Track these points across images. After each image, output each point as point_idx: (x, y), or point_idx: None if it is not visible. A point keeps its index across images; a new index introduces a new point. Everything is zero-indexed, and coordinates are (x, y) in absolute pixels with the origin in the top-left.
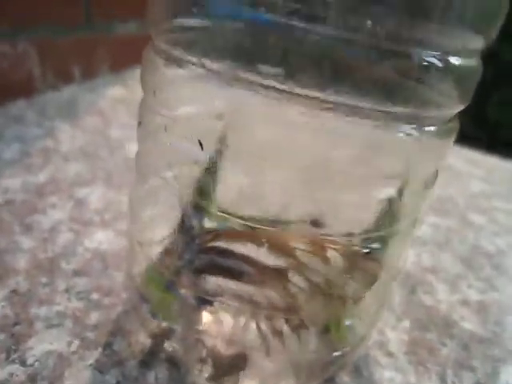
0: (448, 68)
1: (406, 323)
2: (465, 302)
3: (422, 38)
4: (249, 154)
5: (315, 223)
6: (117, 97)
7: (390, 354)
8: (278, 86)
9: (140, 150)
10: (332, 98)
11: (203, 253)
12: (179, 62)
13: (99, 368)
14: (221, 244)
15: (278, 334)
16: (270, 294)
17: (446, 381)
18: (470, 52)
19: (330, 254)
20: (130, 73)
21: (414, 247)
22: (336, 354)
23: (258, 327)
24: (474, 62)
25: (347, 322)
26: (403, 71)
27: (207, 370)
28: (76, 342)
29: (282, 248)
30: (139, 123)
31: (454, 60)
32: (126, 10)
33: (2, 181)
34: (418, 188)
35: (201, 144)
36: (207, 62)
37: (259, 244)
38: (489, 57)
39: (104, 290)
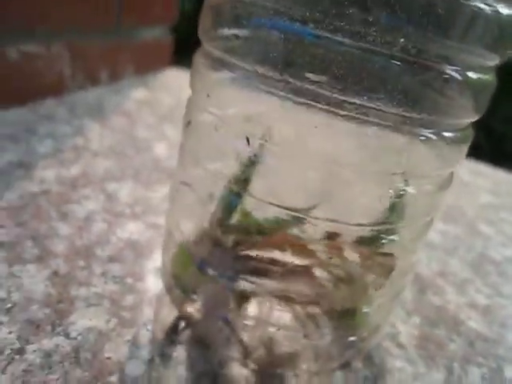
0: (466, 81)
1: (417, 319)
2: (472, 305)
3: (446, 54)
4: (284, 151)
5: (331, 236)
6: (141, 99)
7: (400, 346)
8: (321, 91)
9: (185, 143)
10: (366, 103)
11: (236, 261)
12: (229, 67)
13: (136, 344)
14: (249, 252)
15: (312, 317)
16: (298, 287)
17: (453, 373)
18: (487, 68)
19: (347, 253)
20: (152, 76)
21: (423, 251)
22: (352, 338)
23: (293, 310)
24: (489, 77)
25: (365, 309)
26: (428, 83)
27: (236, 350)
28: (114, 320)
29: (303, 251)
30: (187, 121)
31: (472, 74)
32: (151, 16)
33: (37, 172)
34: (434, 188)
35: (248, 140)
36: (258, 68)
37: (283, 249)
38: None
39: (137, 275)
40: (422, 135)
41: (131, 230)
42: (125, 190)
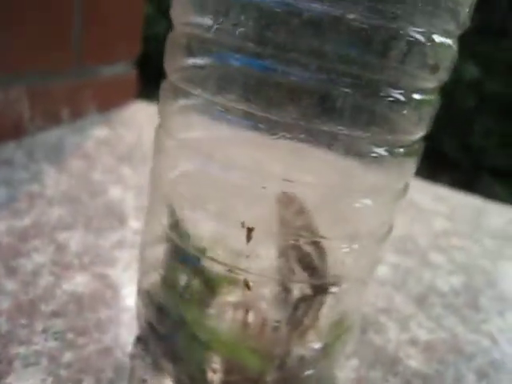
0: (411, 102)
1: (355, 362)
2: (413, 342)
3: (391, 79)
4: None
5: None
6: (101, 138)
7: None
8: (268, 116)
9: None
10: (320, 127)
11: None
12: (186, 95)
13: None
14: None
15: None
16: None
17: None
18: (428, 90)
19: None
20: (115, 113)
21: (371, 288)
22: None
23: None
24: (431, 97)
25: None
26: (376, 106)
27: None
28: (50, 379)
29: None
30: (155, 145)
31: (416, 96)
32: (113, 53)
33: None
34: (390, 200)
35: None
36: (207, 95)
37: None
38: (474, 87)
39: (78, 330)
40: (374, 152)
41: (77, 282)
42: (75, 239)
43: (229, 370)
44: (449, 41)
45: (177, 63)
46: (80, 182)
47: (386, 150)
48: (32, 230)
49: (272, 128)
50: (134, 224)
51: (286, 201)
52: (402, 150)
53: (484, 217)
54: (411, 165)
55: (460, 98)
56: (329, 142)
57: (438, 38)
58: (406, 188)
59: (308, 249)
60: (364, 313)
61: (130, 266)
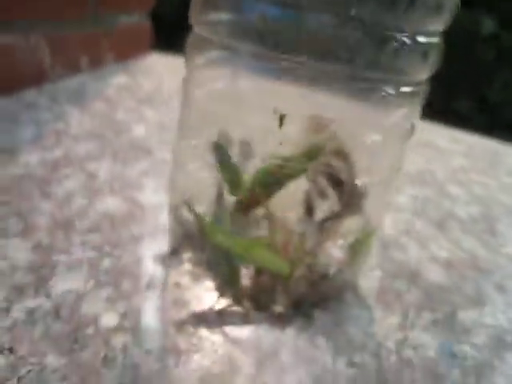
0: (416, 45)
1: (377, 273)
2: (433, 259)
3: (397, 24)
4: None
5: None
6: (122, 85)
7: (360, 297)
8: (288, 57)
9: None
10: (330, 66)
11: None
12: (213, 46)
13: (110, 301)
14: None
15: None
16: None
17: (408, 318)
18: (432, 32)
19: None
20: (133, 62)
21: (389, 215)
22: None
23: None
24: (436, 40)
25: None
26: (385, 48)
27: None
28: (91, 282)
29: None
30: (183, 97)
31: (421, 38)
32: (128, 4)
33: (22, 157)
34: (398, 138)
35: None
36: (232, 43)
37: None
38: (491, 41)
39: (113, 243)
40: (384, 91)
41: (109, 204)
42: (104, 169)
43: (259, 273)
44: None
45: (203, 16)
46: (103, 121)
47: (393, 89)
48: (62, 161)
49: (288, 70)
50: (159, 155)
51: (316, 126)
52: (407, 89)
53: (501, 156)
54: (417, 105)
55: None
56: (341, 81)
57: None
58: (413, 128)
59: (337, 164)
60: (384, 233)
61: (157, 191)
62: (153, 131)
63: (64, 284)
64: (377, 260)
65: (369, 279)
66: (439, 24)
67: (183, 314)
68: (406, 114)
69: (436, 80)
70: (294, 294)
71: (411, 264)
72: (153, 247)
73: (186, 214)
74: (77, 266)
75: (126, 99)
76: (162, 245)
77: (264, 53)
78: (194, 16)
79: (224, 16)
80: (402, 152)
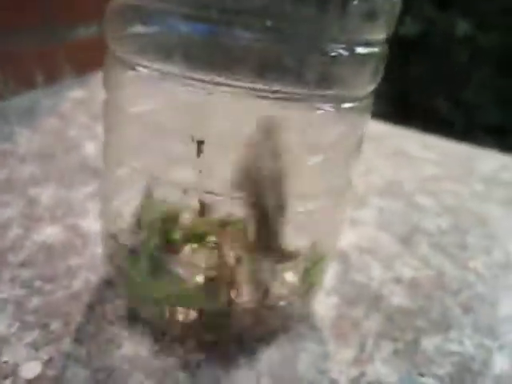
0: (354, 56)
1: (334, 299)
2: (397, 280)
3: (332, 33)
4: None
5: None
6: (77, 99)
7: (314, 328)
8: (216, 79)
9: (106, 142)
10: (262, 86)
11: None
12: (130, 66)
13: (35, 346)
14: None
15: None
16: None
17: (365, 349)
18: (375, 41)
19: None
20: (92, 76)
21: (353, 229)
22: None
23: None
24: (377, 50)
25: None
26: (318, 62)
27: None
28: (16, 324)
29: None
30: (104, 119)
31: (360, 50)
32: (86, 13)
33: None
34: (341, 157)
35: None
36: (155, 65)
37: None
38: (466, 42)
39: (47, 277)
40: (321, 109)
41: (48, 233)
42: (47, 193)
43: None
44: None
45: (117, 32)
46: (54, 139)
47: (333, 107)
48: (3, 185)
49: (207, 90)
50: None
51: (267, 127)
52: (349, 105)
53: (474, 162)
54: (362, 120)
55: (453, 55)
56: (276, 100)
57: None
58: (360, 142)
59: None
60: (345, 252)
61: None
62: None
63: None
64: (335, 284)
65: (324, 306)
66: (379, 32)
67: (116, 358)
68: (349, 130)
69: (412, 82)
70: (236, 328)
71: (373, 287)
72: (89, 280)
73: (115, 247)
74: (2, 306)
75: (80, 115)
76: (98, 277)
77: (178, 72)
78: (107, 33)
79: (134, 31)
80: (349, 169)
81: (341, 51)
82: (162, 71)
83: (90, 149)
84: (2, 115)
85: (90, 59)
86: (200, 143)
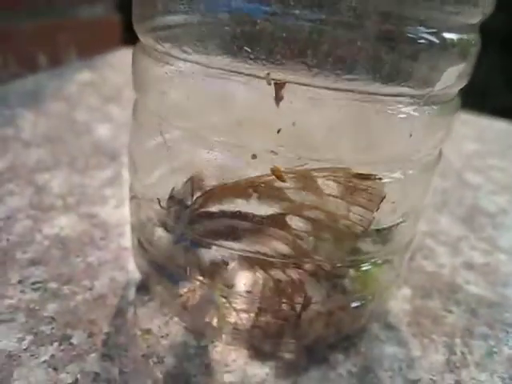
0: (445, 44)
1: (407, 291)
2: (469, 265)
3: (418, 15)
4: None
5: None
6: (85, 81)
7: (390, 327)
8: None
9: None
10: (332, 84)
11: (195, 221)
12: (168, 59)
13: (54, 365)
14: (210, 208)
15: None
16: (274, 244)
17: (455, 351)
18: (467, 27)
19: (322, 182)
20: (100, 58)
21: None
22: (355, 303)
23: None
24: (472, 37)
25: (366, 267)
26: (402, 51)
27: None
28: (28, 338)
29: (271, 193)
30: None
31: (452, 36)
32: None
33: None
34: (423, 171)
35: None
36: (197, 57)
37: (247, 196)
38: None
39: (63, 278)
40: (402, 112)
41: (61, 224)
42: (58, 180)
43: (259, 313)
44: None
45: (152, 20)
46: (61, 123)
47: (416, 110)
48: (6, 173)
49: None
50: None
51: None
52: (435, 107)
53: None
54: (449, 126)
55: None
56: (343, 101)
57: None
58: (440, 153)
59: None
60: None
61: (123, 203)
62: (119, 132)
63: None
64: (403, 273)
65: (397, 301)
66: (476, 14)
67: (157, 373)
68: (434, 139)
69: None
70: (306, 337)
71: (445, 275)
72: (115, 280)
73: (152, 237)
74: (11, 315)
75: (88, 97)
76: (126, 276)
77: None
78: (138, 22)
79: (181, 20)
80: (428, 186)
81: (430, 37)
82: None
83: (104, 132)
84: (3, 99)
85: (96, 41)
86: (280, 85)
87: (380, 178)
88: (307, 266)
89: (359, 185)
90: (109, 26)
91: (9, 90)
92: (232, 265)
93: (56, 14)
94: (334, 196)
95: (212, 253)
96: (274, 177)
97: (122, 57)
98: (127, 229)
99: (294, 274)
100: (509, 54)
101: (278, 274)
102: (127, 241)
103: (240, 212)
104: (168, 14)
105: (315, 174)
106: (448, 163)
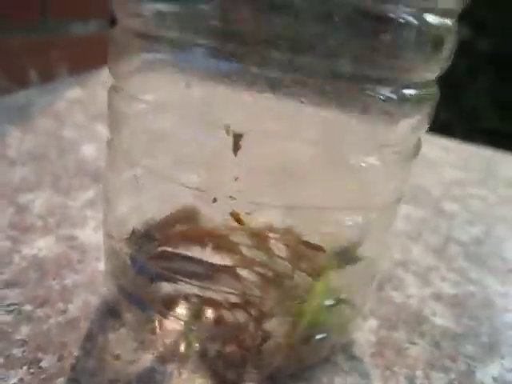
0: (425, 27)
1: (373, 322)
2: (437, 297)
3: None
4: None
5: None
6: (74, 98)
7: (353, 358)
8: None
9: (114, 140)
10: (315, 62)
11: (157, 257)
12: (148, 43)
13: None
14: (167, 249)
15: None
16: (224, 290)
17: (415, 382)
18: (447, 11)
19: (273, 243)
20: (89, 75)
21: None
22: (318, 336)
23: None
24: (449, 23)
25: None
26: (381, 32)
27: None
28: None
29: (226, 245)
30: (109, 111)
31: (431, 19)
32: (83, 9)
33: None
34: (401, 158)
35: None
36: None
37: (204, 245)
38: (465, 48)
39: (38, 300)
40: (381, 94)
41: (39, 246)
42: (40, 200)
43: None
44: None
45: (136, 3)
46: (48, 140)
47: (393, 92)
48: None
49: (260, 70)
50: None
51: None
52: (413, 92)
53: (495, 166)
54: (425, 114)
55: (454, 59)
56: (319, 84)
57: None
58: (419, 144)
59: None
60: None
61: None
62: (103, 152)
63: None
64: (370, 304)
65: (363, 331)
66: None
67: None
68: (412, 126)
69: None
70: (268, 367)
71: (412, 306)
72: (88, 304)
73: (122, 266)
74: None
75: (76, 114)
76: (99, 300)
77: (225, 48)
78: (122, 4)
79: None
80: (405, 176)
81: (409, 18)
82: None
83: (88, 151)
84: None
85: (87, 57)
86: (237, 137)
87: (324, 250)
88: (254, 312)
89: (305, 252)
90: (101, 43)
91: None
92: (193, 299)
93: (48, 30)
94: (281, 258)
95: (171, 287)
96: (229, 231)
97: None
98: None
99: (241, 316)
100: (497, 76)
101: (227, 314)
102: (103, 265)
103: (195, 258)
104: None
105: (268, 234)
106: (426, 192)
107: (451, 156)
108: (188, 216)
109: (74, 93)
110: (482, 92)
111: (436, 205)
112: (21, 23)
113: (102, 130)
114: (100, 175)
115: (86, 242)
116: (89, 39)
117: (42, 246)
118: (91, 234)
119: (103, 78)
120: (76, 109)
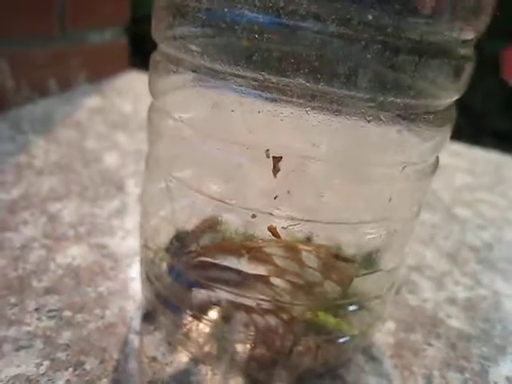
0: (447, 56)
1: (391, 325)
2: (451, 300)
3: (418, 31)
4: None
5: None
6: (94, 107)
7: (373, 359)
8: (291, 83)
9: (151, 153)
10: (339, 91)
11: (193, 266)
12: (188, 67)
13: None
14: (205, 259)
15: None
16: (257, 296)
17: (433, 383)
18: (463, 42)
19: (304, 256)
20: (107, 82)
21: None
22: (342, 339)
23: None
24: (466, 52)
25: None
26: (399, 63)
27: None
28: (45, 363)
29: (260, 256)
30: (148, 127)
31: (457, 48)
32: (100, 18)
33: None
34: (420, 175)
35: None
36: (215, 65)
37: (240, 255)
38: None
39: (76, 306)
40: (407, 117)
41: (73, 254)
42: (69, 210)
43: (255, 346)
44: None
45: (171, 29)
46: (71, 150)
47: (413, 117)
48: (21, 202)
49: (283, 96)
50: (134, 190)
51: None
52: (432, 116)
53: (504, 171)
54: (444, 134)
55: None
56: (343, 108)
57: None
58: (437, 162)
59: None
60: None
61: (130, 234)
62: (125, 161)
63: (10, 369)
64: (388, 307)
65: (382, 334)
66: (477, 28)
67: None
68: (433, 146)
69: None
70: (297, 368)
71: (428, 309)
72: (124, 310)
73: (157, 273)
74: (29, 341)
75: (97, 124)
76: (134, 306)
77: (251, 75)
78: (159, 30)
79: (199, 30)
80: (425, 191)
81: (441, 47)
82: (217, 70)
83: (111, 160)
84: (16, 124)
85: (104, 65)
86: (277, 159)
87: (353, 262)
88: (285, 317)
89: (335, 264)
90: (117, 50)
91: (21, 114)
92: (226, 304)
93: (67, 40)
94: (312, 268)
95: (207, 293)
96: (264, 243)
97: (129, 81)
98: (135, 260)
99: (272, 321)
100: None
101: (258, 318)
102: (135, 271)
103: (231, 267)
104: (187, 24)
105: (301, 247)
106: (438, 197)
107: (461, 161)
108: (213, 226)
109: (92, 101)
110: (490, 94)
111: (447, 210)
112: (41, 35)
113: (123, 138)
114: (124, 184)
115: (116, 251)
116: (105, 47)
117: (76, 254)
118: (120, 243)
119: (120, 84)
120: (96, 118)
